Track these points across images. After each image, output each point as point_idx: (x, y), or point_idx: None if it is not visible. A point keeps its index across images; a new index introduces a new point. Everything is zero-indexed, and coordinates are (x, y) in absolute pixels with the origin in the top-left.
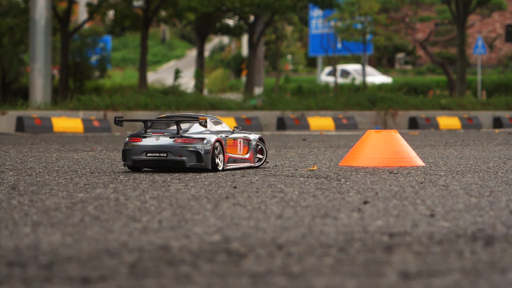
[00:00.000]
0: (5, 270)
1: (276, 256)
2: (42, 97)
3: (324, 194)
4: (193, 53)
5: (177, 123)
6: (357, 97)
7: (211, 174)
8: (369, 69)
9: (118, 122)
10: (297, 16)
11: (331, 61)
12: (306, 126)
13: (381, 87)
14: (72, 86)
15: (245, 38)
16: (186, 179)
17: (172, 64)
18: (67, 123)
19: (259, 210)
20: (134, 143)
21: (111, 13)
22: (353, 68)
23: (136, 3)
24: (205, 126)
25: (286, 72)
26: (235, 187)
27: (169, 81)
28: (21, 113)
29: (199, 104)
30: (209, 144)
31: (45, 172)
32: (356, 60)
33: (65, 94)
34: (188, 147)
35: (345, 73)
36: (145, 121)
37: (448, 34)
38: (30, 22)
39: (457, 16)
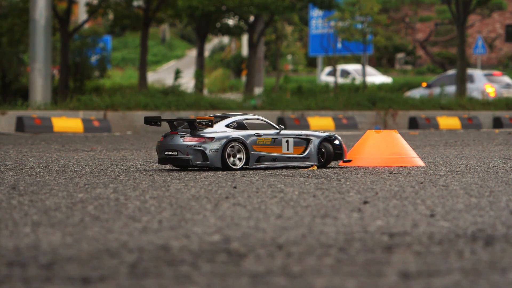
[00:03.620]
0: (5, 270)
1: (276, 256)
2: (42, 97)
3: (324, 194)
4: (193, 53)
5: (192, 123)
6: (357, 97)
7: (211, 174)
8: (369, 69)
9: (151, 122)
10: (297, 16)
11: (331, 61)
12: (306, 126)
13: (381, 87)
14: (72, 86)
15: (245, 38)
16: (186, 179)
17: (172, 64)
18: (67, 123)
19: (259, 210)
20: (159, 142)
21: (110, 13)
22: (353, 68)
23: (136, 3)
24: (210, 126)
25: (286, 72)
26: (235, 187)
27: (169, 81)
28: (21, 113)
29: (199, 104)
30: (218, 143)
31: (45, 172)
32: (356, 60)
33: (65, 94)
34: (195, 146)
35: (345, 73)
36: (170, 121)
37: (448, 34)
38: (30, 22)
39: (457, 16)
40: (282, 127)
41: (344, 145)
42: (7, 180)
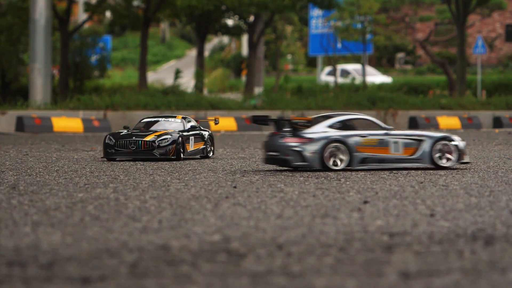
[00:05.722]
0: (5, 269)
1: (276, 256)
2: (42, 97)
3: (324, 194)
4: (193, 53)
5: (291, 123)
6: (357, 97)
7: (211, 174)
8: (369, 69)
9: (259, 121)
10: (297, 16)
11: (331, 61)
12: None
13: (381, 87)
14: (72, 86)
15: (245, 38)
16: (186, 179)
17: (172, 64)
18: (67, 123)
19: (259, 210)
20: (264, 141)
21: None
22: (353, 68)
23: (135, 3)
24: (308, 126)
25: (286, 72)
26: (235, 187)
27: (169, 81)
28: (21, 113)
29: (199, 104)
30: (317, 144)
31: (45, 172)
32: (356, 60)
33: (65, 94)
34: (294, 147)
35: (345, 73)
36: (275, 121)
37: (448, 34)
38: (30, 22)
39: (457, 16)
40: (391, 127)
41: (462, 146)
42: (7, 180)
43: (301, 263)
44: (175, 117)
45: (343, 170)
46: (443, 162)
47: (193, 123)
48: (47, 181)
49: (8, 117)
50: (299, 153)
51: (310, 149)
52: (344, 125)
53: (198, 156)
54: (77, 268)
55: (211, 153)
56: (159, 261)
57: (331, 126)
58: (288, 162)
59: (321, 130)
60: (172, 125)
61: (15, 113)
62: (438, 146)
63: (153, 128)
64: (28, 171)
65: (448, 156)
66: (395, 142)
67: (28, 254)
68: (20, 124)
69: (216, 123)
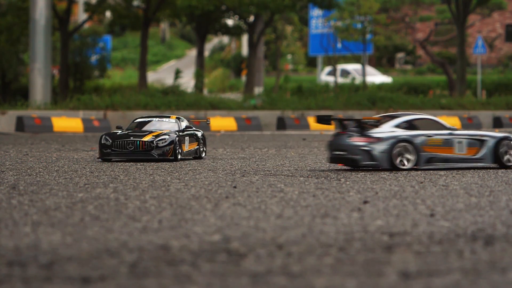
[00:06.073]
0: (5, 269)
1: (276, 256)
2: (42, 97)
3: (324, 194)
4: (193, 53)
5: (359, 122)
6: (357, 97)
7: (211, 174)
8: (369, 69)
9: (323, 121)
10: (297, 16)
11: (331, 61)
12: (306, 126)
13: (381, 87)
14: (72, 86)
15: (245, 38)
16: (186, 179)
17: (172, 64)
18: (67, 123)
19: (259, 209)
20: (329, 141)
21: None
22: (353, 67)
23: (135, 3)
24: (377, 126)
25: (286, 71)
26: (235, 187)
27: (169, 81)
28: (21, 113)
29: (199, 104)
30: (386, 144)
31: (45, 171)
32: (356, 59)
33: (65, 94)
34: (362, 146)
35: (345, 73)
36: (337, 120)
37: (448, 34)
38: (30, 22)
39: (457, 16)
40: (455, 127)
41: None
42: (7, 180)
43: (301, 263)
44: (169, 117)
45: (343, 170)
46: (510, 162)
47: (186, 123)
48: (47, 181)
49: (8, 117)
50: (368, 152)
51: (379, 149)
52: (410, 125)
53: (191, 157)
54: (77, 268)
55: (204, 154)
56: (159, 261)
57: (397, 126)
58: (356, 162)
59: (388, 130)
60: (167, 125)
61: (15, 113)
62: (504, 146)
63: (147, 128)
64: (28, 171)
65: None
66: (459, 142)
67: (28, 254)
68: (20, 124)
69: (207, 123)
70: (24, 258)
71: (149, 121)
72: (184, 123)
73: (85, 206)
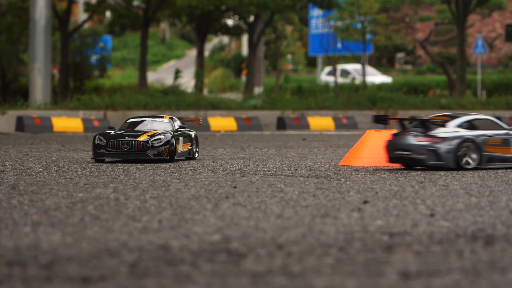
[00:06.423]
0: (5, 269)
1: (276, 256)
2: (42, 96)
3: (324, 194)
4: (193, 53)
5: (424, 122)
6: (357, 97)
7: (211, 174)
8: (369, 69)
9: (381, 121)
10: (297, 16)
11: (331, 61)
12: (306, 126)
13: (381, 87)
14: (72, 86)
15: (245, 38)
16: (186, 179)
17: (172, 64)
18: (67, 122)
19: (259, 209)
20: (389, 140)
21: (109, 13)
22: (353, 67)
23: (135, 3)
24: (443, 126)
25: (286, 71)
26: (235, 187)
27: (169, 81)
28: (21, 112)
29: (199, 104)
30: (451, 143)
31: (45, 172)
32: (356, 59)
33: (65, 93)
34: (428, 146)
35: (345, 73)
36: (400, 120)
37: (448, 33)
38: (30, 22)
39: (457, 16)
40: (511, 127)
41: None
42: (7, 180)
43: (301, 263)
44: (162, 117)
45: (343, 170)
46: None
47: (179, 123)
48: (47, 181)
49: (8, 117)
50: (434, 152)
51: (444, 148)
52: (470, 125)
53: (183, 158)
54: (77, 268)
55: (197, 154)
56: (159, 261)
57: (460, 126)
58: (422, 161)
59: (451, 130)
60: (161, 125)
61: (15, 113)
62: None
63: (140, 128)
64: (28, 171)
65: None
66: None
67: (28, 254)
68: (20, 124)
69: (200, 123)
70: (24, 258)
71: (142, 121)
72: (177, 123)
73: (85, 206)
